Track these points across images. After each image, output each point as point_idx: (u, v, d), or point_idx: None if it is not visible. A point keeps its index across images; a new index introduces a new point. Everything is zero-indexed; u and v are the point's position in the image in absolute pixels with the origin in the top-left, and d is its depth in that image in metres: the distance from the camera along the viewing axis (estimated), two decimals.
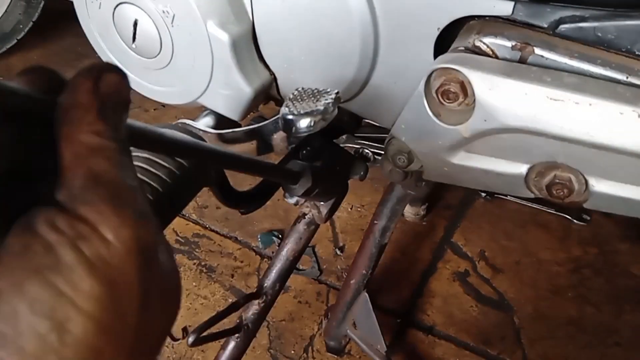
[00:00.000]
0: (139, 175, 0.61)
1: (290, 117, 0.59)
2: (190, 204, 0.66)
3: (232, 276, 1.34)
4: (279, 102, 0.88)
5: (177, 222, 1.46)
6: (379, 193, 1.53)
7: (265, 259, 1.39)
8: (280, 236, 1.43)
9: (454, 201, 1.55)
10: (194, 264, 1.37)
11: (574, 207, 0.66)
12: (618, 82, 0.56)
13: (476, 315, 1.28)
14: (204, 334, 0.78)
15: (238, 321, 0.89)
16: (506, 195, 1.56)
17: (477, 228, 1.47)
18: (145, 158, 0.64)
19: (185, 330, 1.23)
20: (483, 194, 1.55)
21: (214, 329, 0.83)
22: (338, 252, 1.41)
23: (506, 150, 0.61)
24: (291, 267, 0.92)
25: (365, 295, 1.11)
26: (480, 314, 1.28)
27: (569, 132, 0.55)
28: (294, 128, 0.59)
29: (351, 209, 1.52)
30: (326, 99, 0.59)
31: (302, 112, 0.58)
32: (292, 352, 1.20)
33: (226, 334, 0.87)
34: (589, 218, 1.50)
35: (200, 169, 0.65)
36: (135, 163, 0.66)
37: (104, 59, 0.86)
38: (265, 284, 0.90)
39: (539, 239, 1.45)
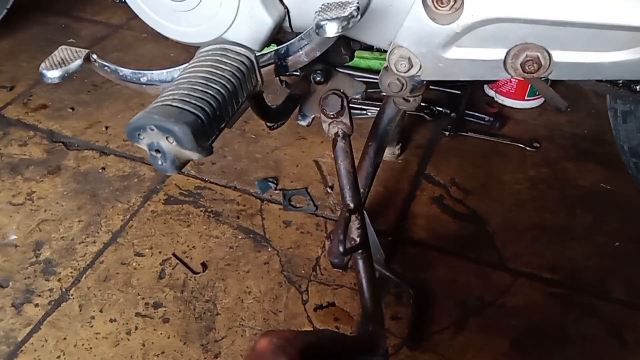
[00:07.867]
0: (202, 89, 0.77)
1: (324, 22, 0.74)
2: None
3: (238, 217, 1.48)
4: (287, 39, 1.02)
5: (178, 178, 1.59)
6: (355, 141, 1.71)
7: (265, 202, 1.53)
8: (275, 182, 1.58)
9: (423, 141, 1.75)
10: (201, 210, 1.50)
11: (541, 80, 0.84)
12: None
13: (455, 229, 1.48)
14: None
15: (353, 241, 1.02)
16: (467, 132, 1.78)
17: (446, 160, 1.68)
18: (203, 76, 0.81)
19: (204, 265, 1.37)
20: (446, 133, 1.76)
21: None
22: (329, 190, 1.57)
23: (488, 39, 0.79)
24: (356, 179, 1.02)
25: (363, 212, 1.28)
26: (458, 228, 1.48)
27: (536, 14, 0.74)
28: (327, 31, 0.75)
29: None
30: (350, 8, 0.76)
31: (333, 17, 0.74)
32: (303, 272, 1.35)
33: (353, 250, 1.02)
34: (538, 145, 1.74)
35: (243, 87, 0.82)
36: (198, 79, 0.82)
37: (134, 7, 0.99)
38: (350, 202, 1.02)
39: (499, 165, 1.66)
